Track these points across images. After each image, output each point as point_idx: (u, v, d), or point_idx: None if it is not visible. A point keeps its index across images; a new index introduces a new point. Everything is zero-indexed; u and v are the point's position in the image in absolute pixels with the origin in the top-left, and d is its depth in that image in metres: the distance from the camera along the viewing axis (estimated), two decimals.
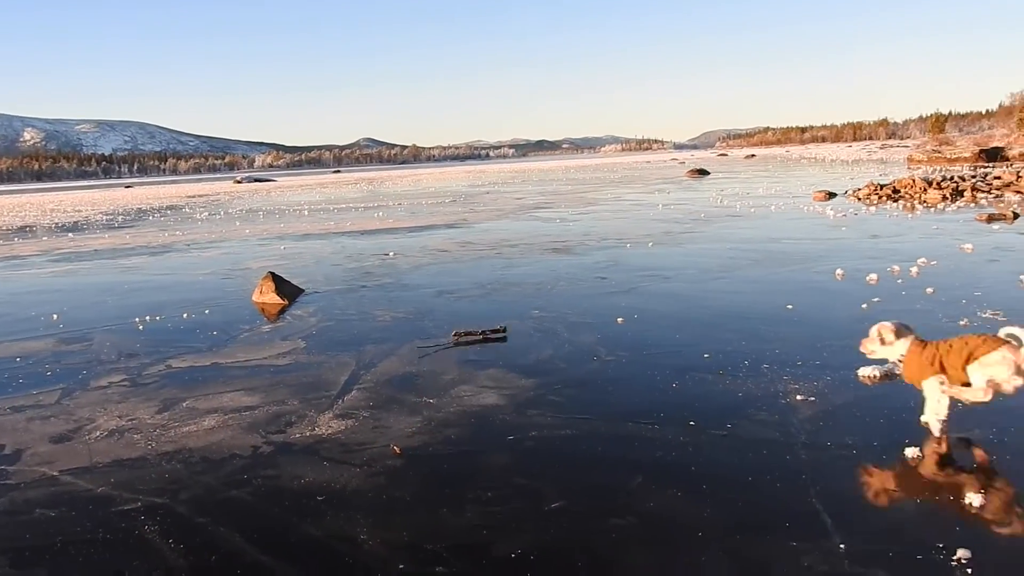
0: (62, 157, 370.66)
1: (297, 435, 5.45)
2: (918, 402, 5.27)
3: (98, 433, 5.74)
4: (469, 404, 5.93)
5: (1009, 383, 4.46)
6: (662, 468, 4.56)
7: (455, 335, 7.93)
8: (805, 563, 3.51)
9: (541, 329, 8.37)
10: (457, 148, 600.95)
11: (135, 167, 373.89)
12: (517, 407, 5.77)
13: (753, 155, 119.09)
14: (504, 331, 8.06)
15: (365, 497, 4.40)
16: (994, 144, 51.52)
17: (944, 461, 4.48)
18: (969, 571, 3.39)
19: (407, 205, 33.51)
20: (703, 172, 51.68)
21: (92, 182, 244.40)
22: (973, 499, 3.96)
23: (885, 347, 5.09)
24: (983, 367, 4.53)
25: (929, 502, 4.00)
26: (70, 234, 26.77)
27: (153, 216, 35.77)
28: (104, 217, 37.06)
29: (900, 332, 5.06)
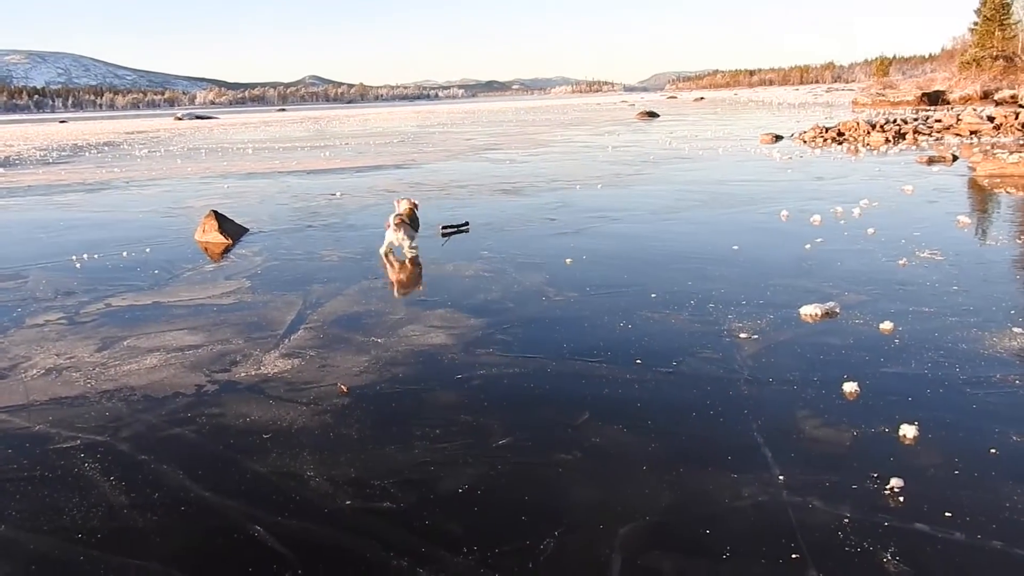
0: None
1: (242, 374, 5.37)
2: (857, 339, 5.41)
3: (34, 371, 5.57)
4: (417, 343, 5.90)
5: None
6: (608, 405, 4.61)
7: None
8: (745, 493, 3.59)
9: (490, 269, 8.33)
10: (406, 88, 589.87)
11: (70, 101, 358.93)
12: (465, 346, 5.75)
13: (702, 98, 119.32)
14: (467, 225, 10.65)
15: (311, 435, 4.36)
16: (936, 88, 52.51)
17: (880, 395, 4.60)
18: (901, 499, 3.51)
19: (354, 145, 32.88)
20: (653, 115, 51.68)
21: (24, 116, 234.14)
22: (907, 431, 4.08)
23: None
24: None
25: (865, 434, 4.12)
26: (1, 169, 25.69)
27: (90, 152, 34.50)
28: (38, 152, 35.60)
29: None
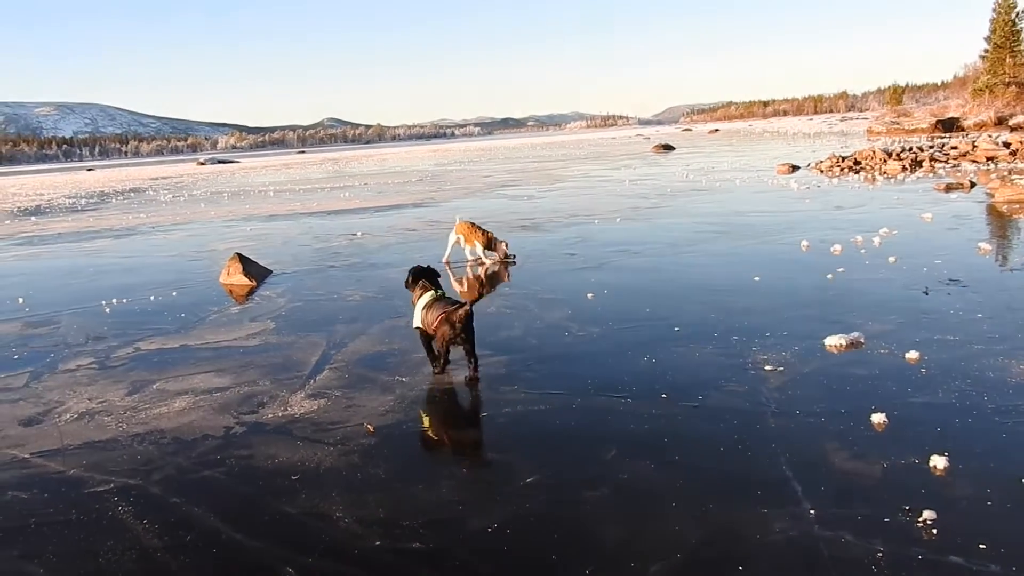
0: (22, 140, 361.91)
1: (269, 415, 5.40)
2: (883, 369, 5.36)
3: (68, 416, 5.64)
4: (442, 382, 5.92)
5: None
6: (635, 440, 4.59)
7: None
8: (776, 528, 3.56)
9: (511, 306, 8.36)
10: (422, 127, 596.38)
11: (96, 150, 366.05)
12: (490, 384, 5.76)
13: (717, 130, 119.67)
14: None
15: (339, 475, 4.38)
16: (950, 115, 52.35)
17: (909, 425, 4.56)
18: (935, 532, 3.46)
19: (373, 185, 33.23)
20: (668, 147, 51.85)
21: (53, 165, 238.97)
22: (938, 462, 4.03)
23: None
24: None
25: (895, 466, 4.08)
26: (32, 218, 26.18)
27: (116, 199, 35.09)
28: (67, 200, 36.28)
29: None
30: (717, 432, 4.62)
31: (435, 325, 5.89)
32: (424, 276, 6.31)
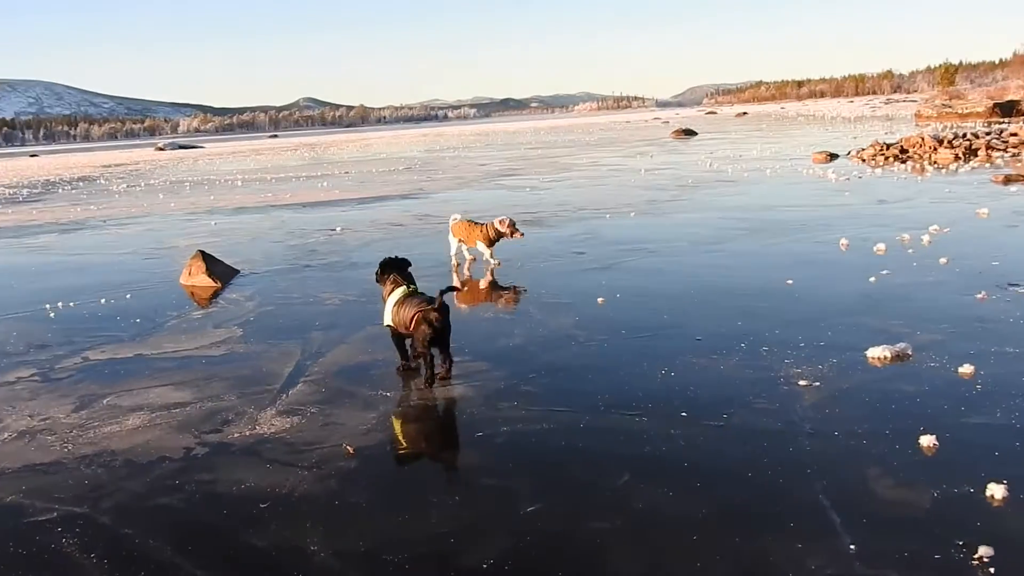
0: None
1: (235, 435, 5.39)
2: (933, 385, 5.35)
3: (6, 435, 5.63)
4: (432, 397, 5.92)
5: None
6: (651, 464, 4.58)
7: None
8: (812, 566, 3.55)
9: (512, 311, 8.36)
10: (411, 108, 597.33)
11: (41, 133, 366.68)
12: (486, 399, 5.76)
13: (745, 113, 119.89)
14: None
15: (315, 503, 4.37)
16: (1009, 97, 52.31)
17: (962, 449, 4.55)
18: (992, 571, 3.45)
19: (355, 174, 33.27)
20: (690, 132, 51.89)
21: None
22: (995, 491, 4.02)
23: None
24: None
25: (947, 495, 4.07)
26: None
27: (63, 188, 35.12)
28: (6, 190, 36.32)
29: None
30: (744, 455, 4.61)
31: (412, 326, 6.02)
32: (395, 269, 6.48)
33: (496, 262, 10.94)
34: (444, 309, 5.98)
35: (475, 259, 11.33)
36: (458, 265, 11.18)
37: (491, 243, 11.08)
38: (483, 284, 9.95)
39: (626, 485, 4.35)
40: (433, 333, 5.96)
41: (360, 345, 7.34)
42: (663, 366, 6.22)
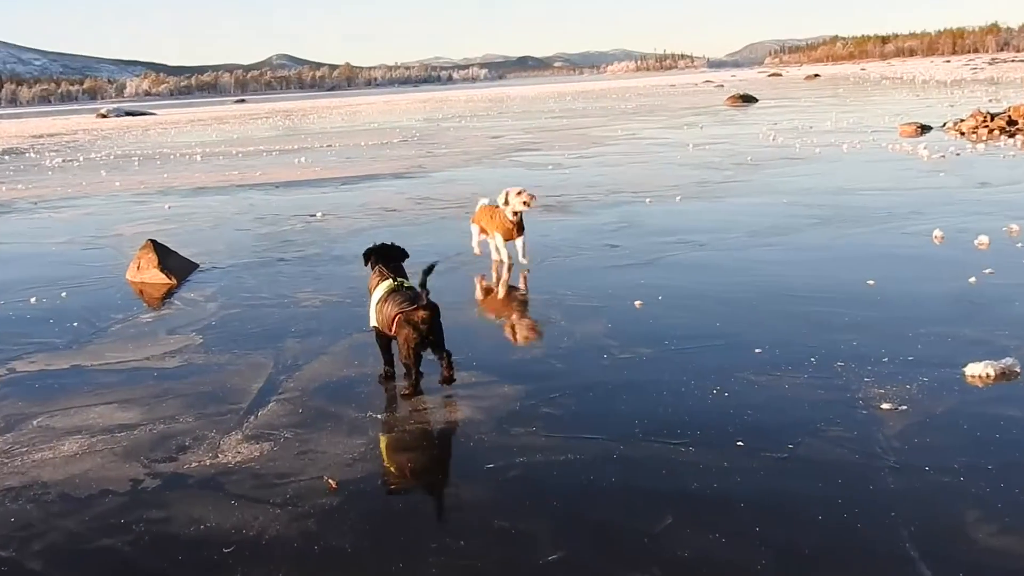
0: None
1: (194, 464, 5.42)
2: None
3: None
4: (432, 420, 5.93)
5: None
6: (698, 504, 4.57)
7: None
8: None
9: (529, 317, 8.36)
10: (408, 68, 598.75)
11: None
12: (498, 424, 5.77)
13: (816, 75, 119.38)
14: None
15: (289, 547, 4.38)
16: None
17: None
18: None
19: (340, 147, 33.36)
20: (749, 99, 51.78)
21: None
22: None
23: None
24: None
25: None
26: None
27: None
28: None
29: None
30: (814, 494, 4.60)
31: (394, 328, 6.09)
32: (381, 258, 6.58)
33: (527, 261, 10.44)
34: (431, 307, 6.01)
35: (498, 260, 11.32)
36: (499, 264, 10.66)
37: (510, 236, 10.46)
38: (494, 283, 9.95)
39: (668, 530, 4.35)
40: (418, 337, 6.00)
41: (345, 356, 7.36)
42: (714, 384, 6.21)
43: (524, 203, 10.21)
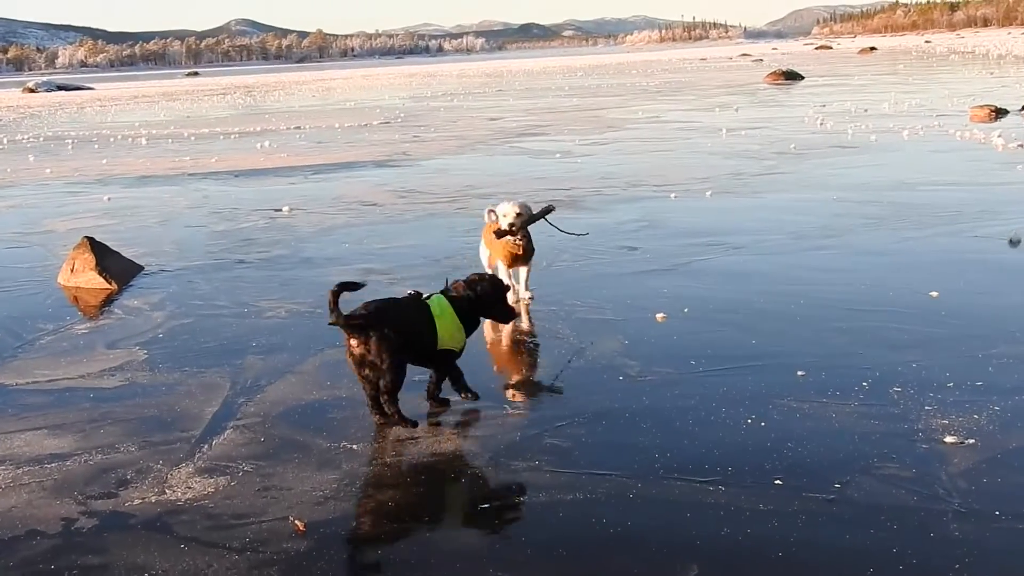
0: None
1: (136, 501, 5.43)
2: None
3: None
4: (417, 452, 5.93)
5: None
6: (730, 552, 4.58)
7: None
8: None
9: (533, 331, 8.38)
10: (391, 37, 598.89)
11: None
12: (495, 457, 5.78)
13: (873, 48, 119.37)
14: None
15: None
16: None
17: None
18: None
19: (310, 130, 33.39)
20: (793, 76, 51.80)
21: None
22: None
23: None
24: None
25: None
26: None
27: None
28: None
29: None
30: (865, 542, 4.61)
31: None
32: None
33: (529, 295, 9.45)
34: (359, 326, 5.94)
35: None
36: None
37: (514, 262, 9.32)
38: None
39: None
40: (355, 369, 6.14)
41: (314, 376, 7.36)
42: (750, 412, 6.23)
43: (510, 226, 8.93)
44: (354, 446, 6.05)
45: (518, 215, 8.93)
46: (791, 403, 6.36)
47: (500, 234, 8.96)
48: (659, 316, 8.44)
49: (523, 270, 9.47)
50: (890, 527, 4.75)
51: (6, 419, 6.78)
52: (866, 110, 29.46)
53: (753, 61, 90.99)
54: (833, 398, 6.40)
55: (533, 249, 9.32)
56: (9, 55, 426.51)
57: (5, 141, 34.60)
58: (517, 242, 9.07)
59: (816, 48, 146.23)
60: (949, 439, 5.66)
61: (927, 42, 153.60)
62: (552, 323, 8.52)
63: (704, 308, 8.72)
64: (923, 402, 6.24)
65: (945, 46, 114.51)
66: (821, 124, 25.59)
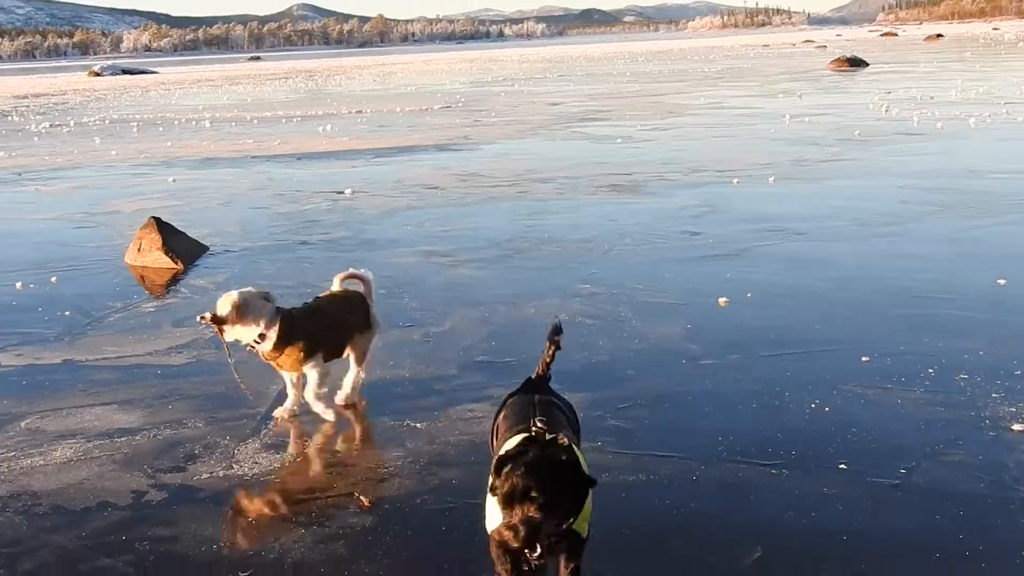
0: None
1: (204, 475, 5.52)
2: None
3: None
4: (480, 432, 5.92)
5: None
6: (792, 537, 4.58)
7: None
8: None
9: (594, 313, 8.37)
10: (452, 22, 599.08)
11: None
12: None
13: (939, 35, 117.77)
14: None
15: (315, 573, 4.45)
16: None
17: None
18: None
19: (371, 114, 33.48)
20: (857, 62, 51.24)
21: None
22: None
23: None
24: None
25: None
26: None
27: None
28: None
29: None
30: (930, 529, 4.60)
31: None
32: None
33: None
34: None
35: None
36: None
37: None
38: (549, 273, 9.95)
39: (756, 565, 4.37)
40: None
41: (377, 356, 7.36)
42: (813, 397, 6.22)
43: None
44: (417, 424, 6.11)
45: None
46: (855, 389, 6.33)
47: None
48: (722, 300, 8.42)
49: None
50: (956, 514, 4.72)
51: (76, 394, 6.90)
52: (932, 97, 29.10)
53: (816, 47, 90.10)
54: (898, 384, 6.36)
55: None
56: (76, 39, 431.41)
57: (72, 124, 34.99)
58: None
59: (881, 35, 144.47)
60: (1017, 427, 5.62)
61: (995, 29, 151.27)
62: (614, 306, 8.52)
63: (767, 293, 8.69)
64: (990, 390, 6.19)
65: (1014, 33, 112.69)
66: (886, 111, 25.31)
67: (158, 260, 10.84)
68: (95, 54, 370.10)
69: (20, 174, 20.44)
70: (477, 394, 6.51)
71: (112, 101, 51.20)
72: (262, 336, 5.99)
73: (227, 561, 4.59)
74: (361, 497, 5.15)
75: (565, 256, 10.51)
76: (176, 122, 33.49)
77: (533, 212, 13.12)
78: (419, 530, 4.84)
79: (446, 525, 4.88)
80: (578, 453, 4.04)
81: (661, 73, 55.37)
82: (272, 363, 6.19)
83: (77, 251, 11.94)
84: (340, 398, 6.51)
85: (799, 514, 4.78)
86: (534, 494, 3.53)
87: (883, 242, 10.57)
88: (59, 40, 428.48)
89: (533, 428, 3.93)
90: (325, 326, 6.31)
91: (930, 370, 6.57)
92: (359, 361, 6.56)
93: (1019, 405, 5.92)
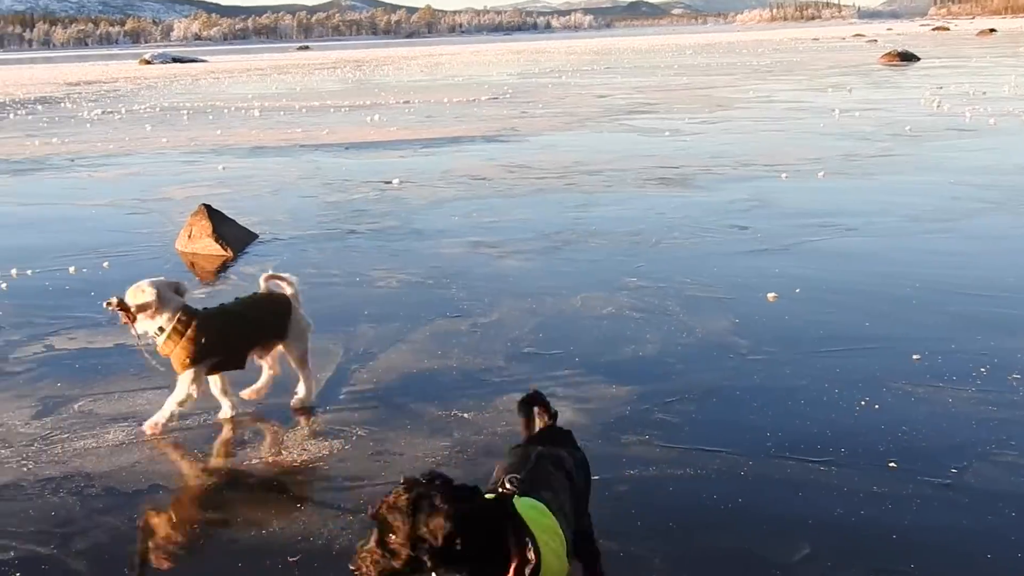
0: None
1: (254, 461, 5.57)
2: None
3: None
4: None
5: None
6: (841, 534, 4.56)
7: None
8: None
9: (641, 307, 8.35)
10: (499, 13, 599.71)
11: None
12: (604, 430, 5.81)
13: (993, 30, 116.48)
14: None
15: None
16: None
17: None
18: None
19: (419, 104, 33.55)
20: (908, 57, 50.79)
21: None
22: None
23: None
24: None
25: None
26: None
27: (16, 114, 36.34)
28: None
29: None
30: (981, 529, 4.56)
31: None
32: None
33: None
34: None
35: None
36: None
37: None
38: (596, 266, 9.95)
39: (807, 561, 4.35)
40: None
41: (426, 345, 7.44)
42: (862, 395, 6.18)
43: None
44: (465, 415, 6.12)
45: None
46: (906, 387, 6.29)
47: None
48: (770, 296, 8.39)
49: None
50: (1008, 514, 4.68)
51: (128, 378, 6.99)
52: (985, 93, 28.80)
53: (867, 41, 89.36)
54: (950, 383, 6.31)
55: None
56: (127, 27, 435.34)
57: (123, 111, 35.29)
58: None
59: (932, 29, 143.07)
60: None
61: None
62: (662, 300, 8.50)
63: (816, 289, 8.64)
64: None
65: None
66: (938, 106, 25.09)
67: (208, 247, 10.93)
68: (146, 42, 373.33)
69: (72, 160, 20.65)
70: (524, 385, 6.48)
71: (162, 89, 51.61)
72: (161, 329, 5.85)
73: (276, 545, 4.63)
74: None
75: (612, 249, 10.50)
76: (225, 110, 33.70)
77: (580, 204, 13.11)
78: None
79: None
80: (546, 519, 3.52)
81: (709, 66, 55.12)
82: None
83: (128, 237, 12.05)
84: (295, 402, 6.32)
85: (848, 511, 4.75)
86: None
87: (934, 238, 10.49)
88: (111, 28, 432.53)
89: (500, 490, 3.64)
90: (226, 332, 6.03)
91: (982, 369, 6.51)
92: (300, 365, 6.34)
93: None
